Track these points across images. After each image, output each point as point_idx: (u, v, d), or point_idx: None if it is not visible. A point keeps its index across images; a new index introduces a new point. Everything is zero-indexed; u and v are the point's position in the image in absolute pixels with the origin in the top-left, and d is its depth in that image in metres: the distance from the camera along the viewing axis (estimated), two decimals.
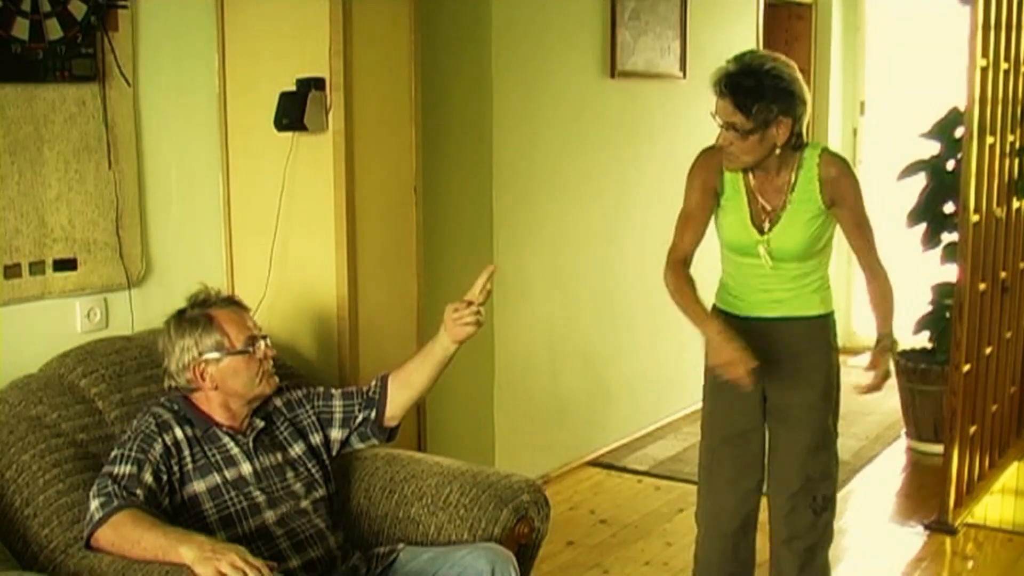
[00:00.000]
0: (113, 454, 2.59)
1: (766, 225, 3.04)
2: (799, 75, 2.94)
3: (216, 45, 3.41)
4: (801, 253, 3.05)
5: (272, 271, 3.39)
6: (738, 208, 3.08)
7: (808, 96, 2.95)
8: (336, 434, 2.93)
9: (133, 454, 2.56)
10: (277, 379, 2.80)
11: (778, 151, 2.95)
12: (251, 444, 2.74)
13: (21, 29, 2.89)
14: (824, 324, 3.16)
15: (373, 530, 2.91)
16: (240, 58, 3.40)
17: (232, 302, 2.81)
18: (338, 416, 2.93)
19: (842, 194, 3.00)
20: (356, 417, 2.92)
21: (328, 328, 3.35)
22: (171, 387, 2.74)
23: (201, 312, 2.73)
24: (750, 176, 3.05)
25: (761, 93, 2.84)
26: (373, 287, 3.39)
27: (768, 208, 3.04)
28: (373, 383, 2.95)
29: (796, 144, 2.99)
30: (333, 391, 2.96)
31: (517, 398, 4.84)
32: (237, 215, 3.49)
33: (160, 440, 2.61)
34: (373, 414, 2.92)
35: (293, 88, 3.24)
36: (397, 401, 2.93)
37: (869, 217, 3.08)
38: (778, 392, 3.16)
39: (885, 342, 3.16)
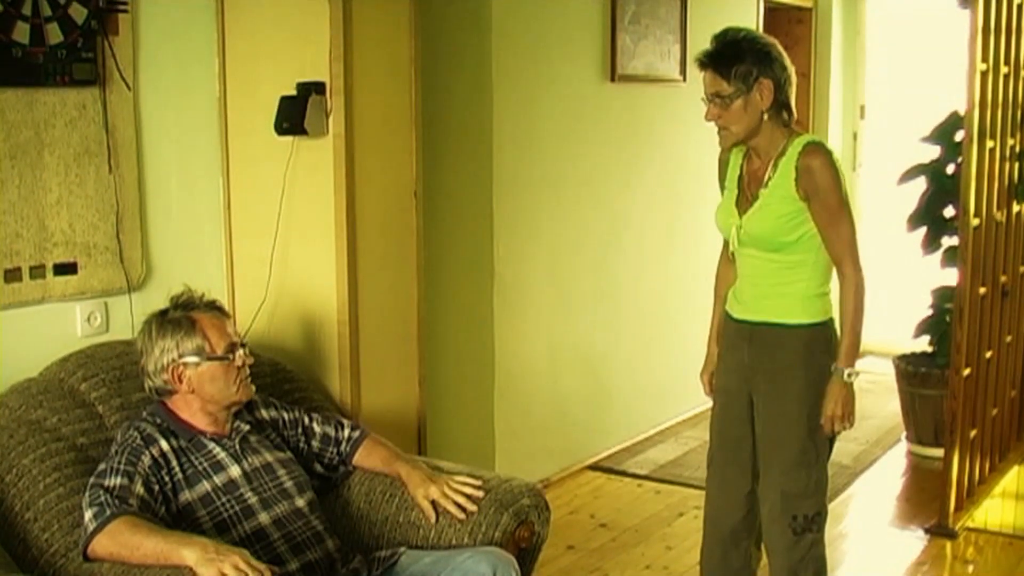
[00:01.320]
0: (101, 468, 2.58)
1: (745, 208, 3.03)
2: (778, 45, 3.00)
3: (216, 49, 3.42)
4: (766, 241, 2.99)
5: (272, 275, 3.39)
6: (730, 191, 3.11)
7: (788, 63, 2.98)
8: (318, 469, 2.98)
9: (122, 467, 2.55)
10: (253, 388, 2.80)
11: (766, 116, 2.94)
12: (237, 446, 2.74)
13: (22, 33, 2.90)
14: (809, 335, 3.01)
15: (374, 534, 2.91)
16: (240, 62, 3.41)
17: (214, 307, 2.80)
18: (316, 454, 2.98)
19: (815, 186, 2.90)
20: (333, 462, 3.00)
21: (328, 332, 3.35)
22: (150, 388, 2.74)
23: (184, 314, 2.73)
24: (746, 160, 3.07)
25: (739, 56, 2.92)
26: (373, 291, 3.39)
27: (751, 192, 3.03)
28: (348, 434, 3.00)
29: (787, 122, 2.99)
30: (316, 429, 2.98)
31: (517, 402, 4.84)
32: (237, 219, 3.49)
33: (147, 453, 2.60)
34: (342, 468, 3.01)
35: (293, 92, 3.24)
36: (360, 464, 3.01)
37: (847, 216, 2.94)
38: (760, 402, 3.10)
39: (836, 374, 2.97)
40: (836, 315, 3.06)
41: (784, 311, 3.02)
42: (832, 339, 3.06)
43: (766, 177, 2.99)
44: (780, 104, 2.96)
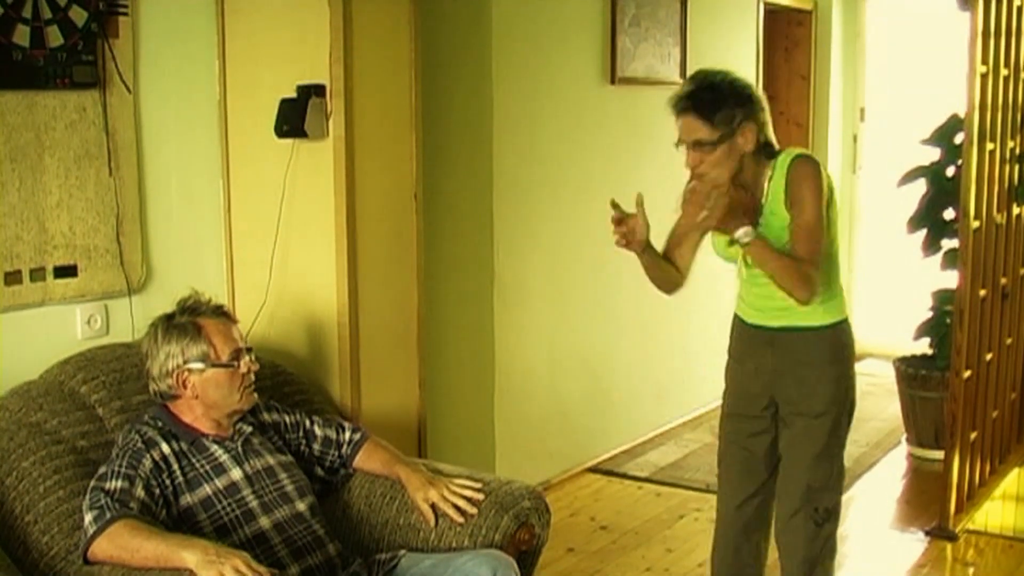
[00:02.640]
0: (102, 471, 2.58)
1: None
2: (754, 85, 3.00)
3: (216, 52, 3.42)
4: None
5: (272, 278, 3.39)
6: None
7: (766, 102, 2.97)
8: (319, 472, 2.98)
9: (123, 470, 2.55)
10: (255, 396, 2.80)
11: (746, 160, 2.92)
12: (240, 449, 2.74)
13: (22, 36, 2.90)
14: (832, 334, 3.08)
15: (374, 537, 2.91)
16: (241, 64, 3.41)
17: (221, 312, 2.80)
18: (316, 457, 2.98)
19: (798, 195, 2.90)
20: (334, 465, 3.00)
21: (328, 335, 3.35)
22: (154, 392, 2.74)
23: (190, 320, 2.73)
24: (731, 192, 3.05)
25: (722, 101, 2.88)
26: (373, 294, 3.39)
27: (747, 219, 2.96)
28: (349, 437, 3.00)
29: (769, 153, 2.99)
30: (317, 432, 2.98)
31: (517, 405, 4.84)
32: (237, 222, 3.49)
33: (148, 456, 2.60)
34: (343, 470, 3.01)
35: (294, 95, 3.24)
36: (360, 466, 3.01)
37: (817, 219, 2.88)
38: (785, 401, 3.14)
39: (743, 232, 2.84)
40: (850, 314, 3.17)
41: (807, 315, 3.04)
42: (850, 336, 3.15)
43: (762, 202, 2.98)
44: (762, 144, 2.96)
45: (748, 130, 2.90)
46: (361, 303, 3.35)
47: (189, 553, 2.33)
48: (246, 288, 3.48)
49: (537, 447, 4.97)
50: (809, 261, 2.89)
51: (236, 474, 2.69)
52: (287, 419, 2.95)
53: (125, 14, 3.13)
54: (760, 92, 2.98)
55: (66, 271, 3.06)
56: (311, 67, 3.24)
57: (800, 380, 3.10)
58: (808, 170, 2.93)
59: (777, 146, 3.02)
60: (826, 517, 3.17)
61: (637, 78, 5.41)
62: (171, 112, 3.32)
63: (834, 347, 3.10)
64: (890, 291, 7.15)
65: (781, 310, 3.08)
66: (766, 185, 2.98)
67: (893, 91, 7.36)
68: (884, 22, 7.42)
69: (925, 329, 5.49)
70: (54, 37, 2.96)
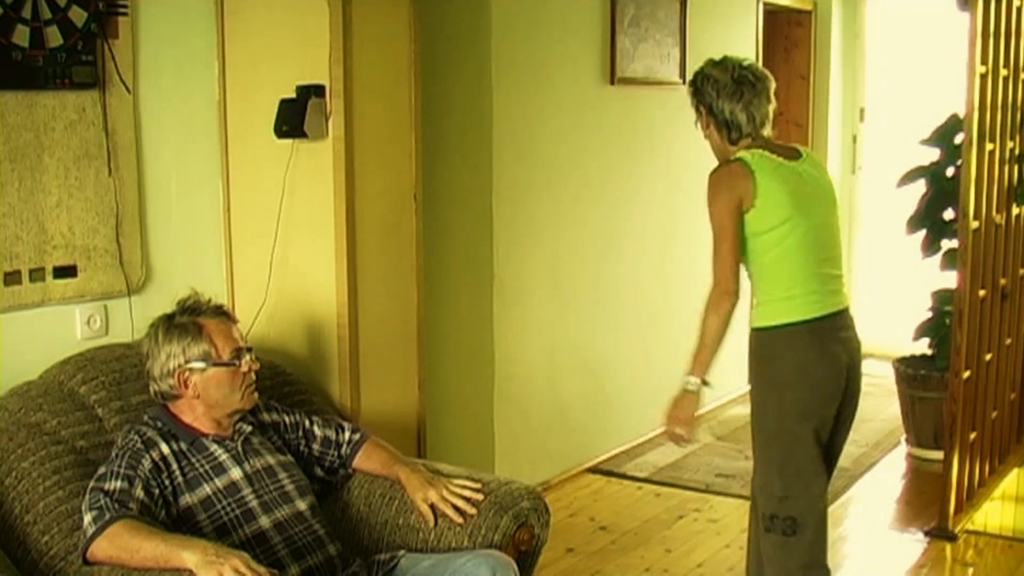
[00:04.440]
0: (101, 471, 2.58)
1: None
2: (714, 71, 3.10)
3: (216, 52, 3.42)
4: None
5: (272, 278, 3.39)
6: None
7: (723, 86, 3.06)
8: (318, 472, 2.98)
9: (123, 471, 2.55)
10: (256, 396, 2.80)
11: (718, 139, 3.13)
12: (240, 448, 2.74)
13: (21, 36, 2.90)
14: (756, 341, 3.09)
15: (373, 537, 2.91)
16: (240, 65, 3.41)
17: (221, 312, 2.80)
18: (316, 457, 2.98)
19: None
20: (333, 465, 3.00)
21: (328, 335, 3.35)
22: (155, 392, 2.74)
23: (190, 319, 2.73)
24: None
25: (691, 88, 3.18)
26: (373, 294, 3.39)
27: None
28: (348, 437, 3.01)
29: (733, 140, 3.10)
30: (316, 432, 2.98)
31: (517, 405, 4.84)
32: (237, 222, 3.49)
33: (148, 456, 2.60)
34: (342, 471, 3.01)
35: (293, 95, 3.25)
36: (360, 467, 3.01)
37: (718, 235, 3.00)
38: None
39: (685, 384, 3.04)
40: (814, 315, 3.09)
41: (753, 316, 3.13)
42: (777, 345, 3.06)
43: None
44: (722, 123, 3.10)
45: (704, 113, 3.13)
46: (361, 303, 3.35)
47: (189, 553, 2.33)
48: (246, 288, 3.48)
49: (537, 447, 4.97)
50: (713, 282, 3.03)
51: (236, 474, 2.69)
52: (287, 419, 2.96)
53: (125, 14, 3.13)
54: (706, 78, 3.09)
55: (66, 271, 3.06)
56: (311, 67, 3.24)
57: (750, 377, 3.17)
58: (709, 188, 3.03)
59: (744, 132, 3.08)
60: (768, 526, 3.08)
61: (636, 78, 5.41)
62: (171, 112, 3.32)
63: (755, 353, 3.11)
64: (890, 291, 7.15)
65: (751, 308, 3.18)
66: None
67: (893, 91, 7.36)
68: (884, 22, 7.42)
69: (925, 329, 5.50)
70: (54, 37, 2.96)
